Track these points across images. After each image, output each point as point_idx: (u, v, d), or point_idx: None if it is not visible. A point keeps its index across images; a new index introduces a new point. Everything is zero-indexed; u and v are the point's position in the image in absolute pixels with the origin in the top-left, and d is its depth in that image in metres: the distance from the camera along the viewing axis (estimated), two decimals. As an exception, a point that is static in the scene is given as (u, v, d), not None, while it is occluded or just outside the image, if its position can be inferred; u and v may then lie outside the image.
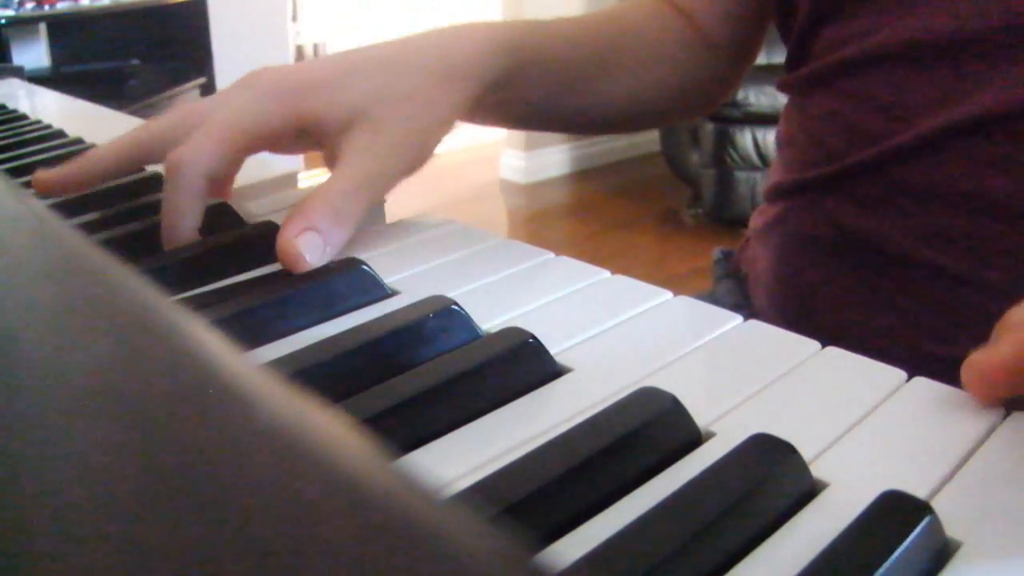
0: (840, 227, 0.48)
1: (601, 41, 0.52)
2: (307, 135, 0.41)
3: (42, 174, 0.44)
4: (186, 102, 0.54)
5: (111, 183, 0.50)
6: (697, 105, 0.60)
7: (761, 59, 0.61)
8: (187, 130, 0.40)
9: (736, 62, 0.58)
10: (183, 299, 0.35)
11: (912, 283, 0.45)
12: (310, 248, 0.36)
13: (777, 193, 0.54)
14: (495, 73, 0.45)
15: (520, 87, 0.47)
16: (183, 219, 0.39)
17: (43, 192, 0.45)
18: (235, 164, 0.42)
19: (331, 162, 0.41)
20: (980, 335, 0.27)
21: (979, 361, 0.26)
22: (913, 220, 0.45)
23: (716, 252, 0.64)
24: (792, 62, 0.54)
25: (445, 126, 0.42)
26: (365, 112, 0.40)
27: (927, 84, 0.44)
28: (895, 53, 0.45)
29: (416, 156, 0.41)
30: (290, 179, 0.51)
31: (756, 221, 0.59)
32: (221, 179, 0.42)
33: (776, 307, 0.53)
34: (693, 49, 0.56)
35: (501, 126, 0.53)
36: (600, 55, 0.52)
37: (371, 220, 0.42)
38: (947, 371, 0.27)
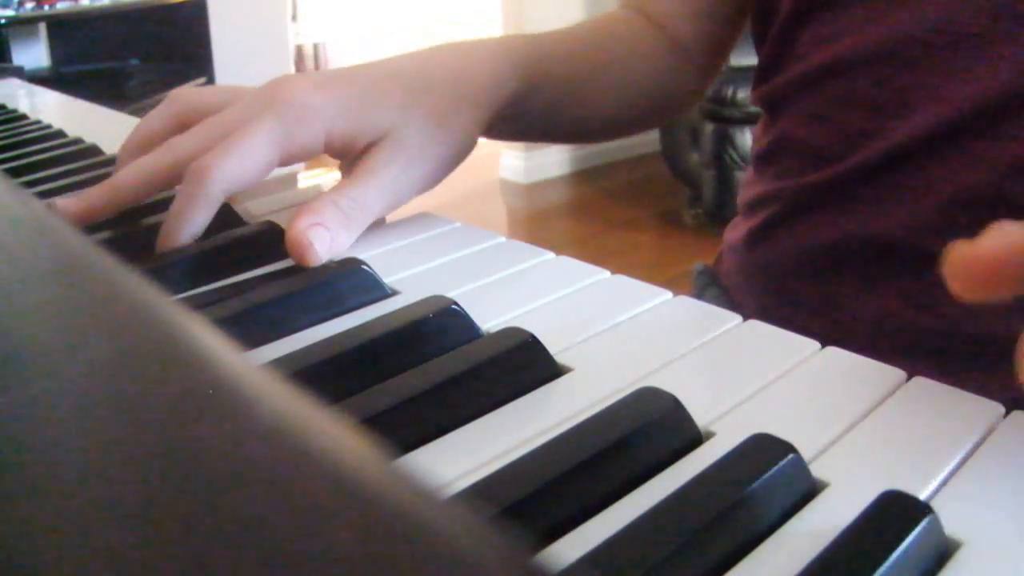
0: (841, 229, 0.48)
1: (589, 56, 0.55)
2: (331, 151, 0.42)
3: (63, 202, 0.41)
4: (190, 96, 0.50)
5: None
6: (673, 108, 0.63)
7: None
8: (212, 146, 0.39)
9: (707, 66, 0.61)
10: (184, 299, 0.35)
11: (912, 271, 0.45)
12: (319, 240, 0.37)
13: (761, 203, 0.54)
14: (506, 95, 0.47)
15: (525, 106, 0.50)
16: (190, 228, 0.39)
17: (67, 220, 0.41)
18: (257, 180, 0.41)
19: (348, 172, 0.42)
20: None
21: (963, 247, 0.24)
22: (912, 214, 0.45)
23: (697, 265, 0.65)
24: (766, 71, 0.54)
25: (463, 146, 0.45)
26: (388, 131, 0.42)
27: (917, 79, 0.44)
28: (886, 49, 0.44)
29: (432, 172, 0.43)
30: (290, 179, 0.51)
31: (732, 235, 0.59)
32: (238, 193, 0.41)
33: (768, 316, 0.53)
34: (668, 56, 0.59)
35: (504, 139, 0.55)
36: (590, 70, 0.55)
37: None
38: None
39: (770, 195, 0.53)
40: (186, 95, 0.45)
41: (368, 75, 0.44)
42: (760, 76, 0.55)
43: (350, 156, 0.43)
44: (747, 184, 0.59)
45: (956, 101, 0.42)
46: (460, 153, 0.45)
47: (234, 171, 0.39)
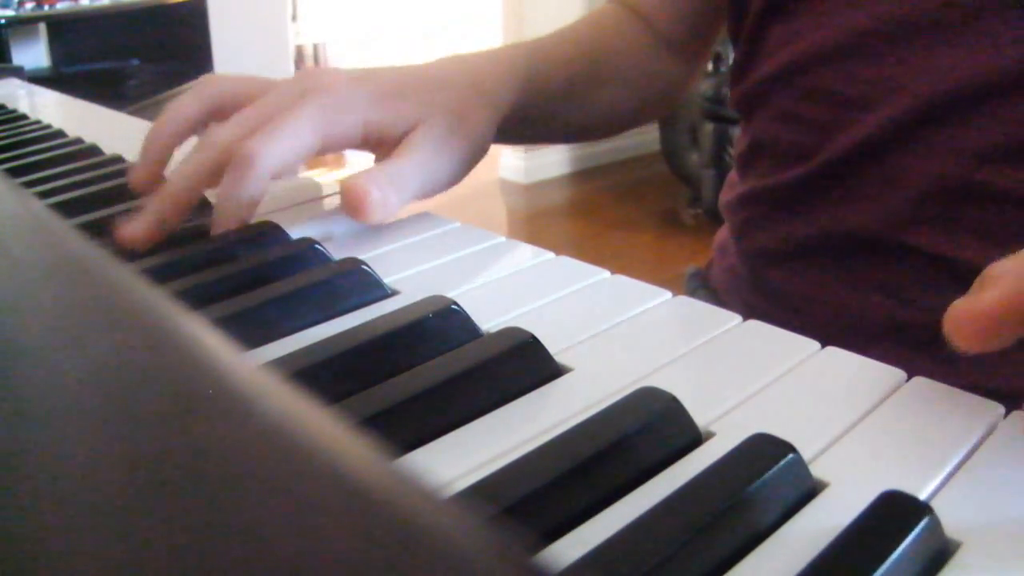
0: (816, 225, 0.49)
1: (584, 58, 0.57)
2: (367, 143, 0.44)
3: (127, 228, 0.39)
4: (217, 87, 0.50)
5: (111, 183, 0.50)
6: (661, 104, 0.64)
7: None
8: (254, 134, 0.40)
9: (692, 61, 0.63)
10: (183, 298, 0.35)
11: (890, 263, 0.46)
12: (374, 191, 0.39)
13: (739, 204, 0.55)
14: (513, 99, 0.50)
15: (528, 110, 0.52)
16: (239, 209, 0.39)
17: (130, 245, 0.40)
18: (300, 163, 0.42)
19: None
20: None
21: (963, 308, 0.24)
22: (885, 207, 0.45)
23: (689, 268, 0.66)
24: (740, 72, 0.55)
25: (481, 141, 0.47)
26: (420, 119, 0.44)
27: (880, 72, 0.44)
28: (848, 43, 0.45)
29: (455, 165, 0.46)
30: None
31: (717, 238, 0.60)
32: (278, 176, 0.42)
33: (755, 313, 0.54)
34: (655, 52, 0.60)
35: (509, 144, 0.57)
36: (585, 71, 0.57)
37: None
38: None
39: (747, 196, 0.54)
40: (217, 81, 0.46)
41: (389, 75, 0.46)
42: (735, 77, 0.56)
43: (384, 149, 0.44)
44: (727, 187, 0.59)
45: (920, 92, 0.43)
46: (478, 150, 0.47)
47: (279, 152, 0.40)
